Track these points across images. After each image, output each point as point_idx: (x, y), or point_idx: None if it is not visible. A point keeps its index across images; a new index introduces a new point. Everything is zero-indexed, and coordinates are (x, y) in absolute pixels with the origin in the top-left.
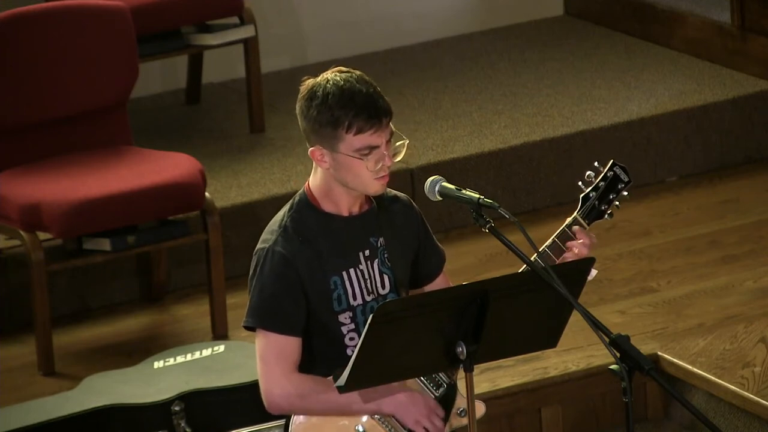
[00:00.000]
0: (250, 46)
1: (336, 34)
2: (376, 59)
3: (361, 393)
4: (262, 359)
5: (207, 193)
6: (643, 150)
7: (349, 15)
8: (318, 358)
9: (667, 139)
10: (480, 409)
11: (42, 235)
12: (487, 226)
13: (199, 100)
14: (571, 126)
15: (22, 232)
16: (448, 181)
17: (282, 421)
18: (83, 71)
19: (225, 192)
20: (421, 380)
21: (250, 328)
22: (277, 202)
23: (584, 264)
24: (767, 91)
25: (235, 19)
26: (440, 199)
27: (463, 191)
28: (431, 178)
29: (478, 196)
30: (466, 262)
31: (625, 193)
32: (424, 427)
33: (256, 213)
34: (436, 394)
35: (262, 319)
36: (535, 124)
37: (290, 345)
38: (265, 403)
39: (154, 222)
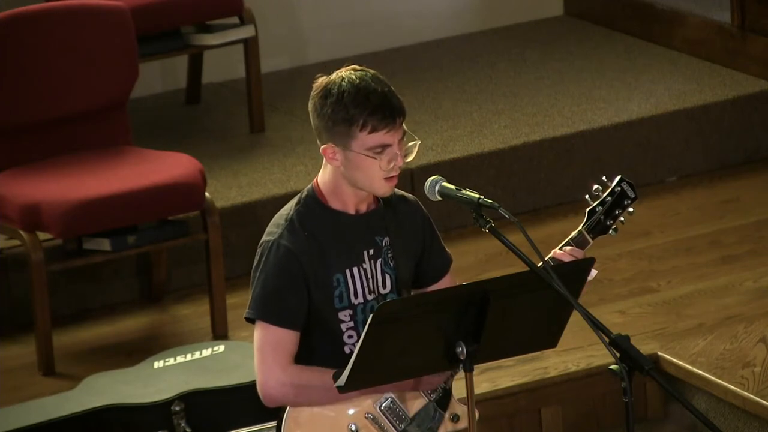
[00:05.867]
0: (250, 46)
1: (336, 34)
2: (376, 59)
3: None
4: (260, 351)
5: (207, 193)
6: (643, 150)
7: (349, 15)
8: (316, 354)
9: (667, 139)
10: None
11: (42, 235)
12: (487, 226)
13: (199, 100)
14: (571, 126)
15: (22, 232)
16: (448, 181)
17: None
18: (83, 71)
19: (225, 192)
20: None
21: (251, 320)
22: (277, 202)
23: (584, 264)
24: (767, 91)
25: (235, 19)
26: (440, 199)
27: (463, 191)
28: (431, 178)
29: (478, 196)
30: (466, 262)
31: (631, 210)
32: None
33: (256, 213)
34: (431, 398)
35: (263, 312)
36: (535, 124)
37: (288, 338)
38: (260, 395)
39: (154, 222)
